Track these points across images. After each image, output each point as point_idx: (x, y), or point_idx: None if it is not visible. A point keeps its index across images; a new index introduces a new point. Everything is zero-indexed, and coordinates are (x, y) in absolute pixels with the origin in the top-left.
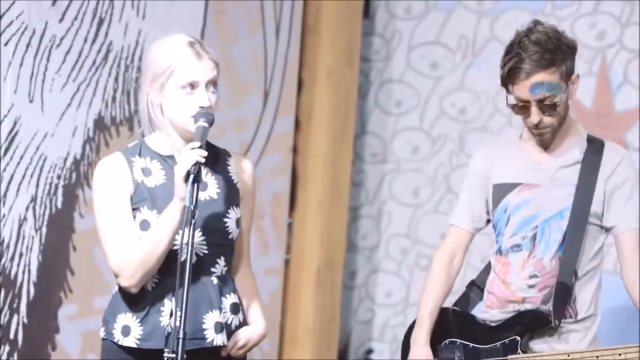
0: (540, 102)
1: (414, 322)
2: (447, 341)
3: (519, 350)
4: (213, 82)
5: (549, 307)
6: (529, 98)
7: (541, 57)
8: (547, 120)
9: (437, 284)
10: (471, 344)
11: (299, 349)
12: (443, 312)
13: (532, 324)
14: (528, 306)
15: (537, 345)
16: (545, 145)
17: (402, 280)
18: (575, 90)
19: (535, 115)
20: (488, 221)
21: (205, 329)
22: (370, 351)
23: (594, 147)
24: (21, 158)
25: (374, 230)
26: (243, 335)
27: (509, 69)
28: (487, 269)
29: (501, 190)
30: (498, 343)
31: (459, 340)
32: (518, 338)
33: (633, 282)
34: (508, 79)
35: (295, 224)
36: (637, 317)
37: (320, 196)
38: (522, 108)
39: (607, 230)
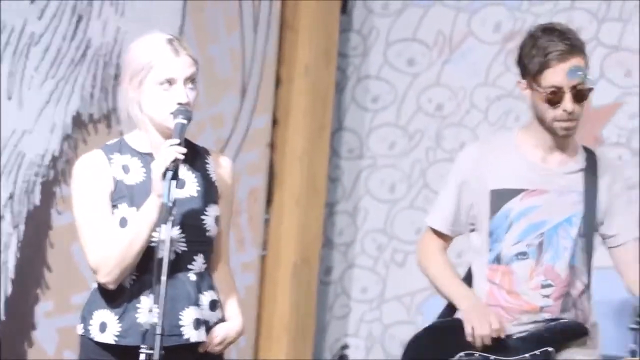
0: (574, 89)
1: (417, 335)
2: (462, 353)
3: None
4: (191, 79)
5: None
6: (563, 84)
7: (574, 42)
8: (578, 110)
9: (444, 262)
10: (492, 356)
11: (275, 344)
12: (456, 325)
13: (568, 335)
14: (546, 316)
15: (561, 355)
16: (562, 145)
17: (377, 276)
18: None
19: (569, 102)
20: (471, 229)
21: (182, 326)
22: (345, 347)
23: (591, 155)
24: None
25: (350, 226)
26: (220, 332)
27: (546, 53)
28: (467, 278)
29: (501, 196)
30: (527, 354)
31: (477, 353)
32: (550, 349)
33: None
34: (545, 64)
35: (272, 220)
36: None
37: (297, 192)
38: (553, 96)
39: (605, 238)
